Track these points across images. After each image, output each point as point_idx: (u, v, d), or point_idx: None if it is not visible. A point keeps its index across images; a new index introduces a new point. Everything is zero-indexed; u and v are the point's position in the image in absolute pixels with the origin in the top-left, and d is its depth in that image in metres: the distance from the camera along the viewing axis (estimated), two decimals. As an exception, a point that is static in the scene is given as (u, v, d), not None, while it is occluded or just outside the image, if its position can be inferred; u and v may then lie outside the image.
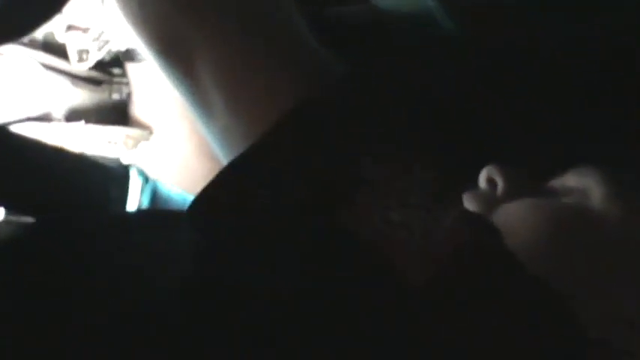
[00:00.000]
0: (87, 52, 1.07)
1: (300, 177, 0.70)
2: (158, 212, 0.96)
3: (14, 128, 1.00)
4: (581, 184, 0.74)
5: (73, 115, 1.06)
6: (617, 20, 1.02)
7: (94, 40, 1.07)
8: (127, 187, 0.95)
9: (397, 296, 0.66)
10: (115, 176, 0.95)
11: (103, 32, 1.06)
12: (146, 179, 0.99)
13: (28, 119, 1.03)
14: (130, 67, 1.08)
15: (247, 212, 0.70)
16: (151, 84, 1.11)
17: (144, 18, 0.74)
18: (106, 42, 1.07)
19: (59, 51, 1.06)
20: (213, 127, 0.75)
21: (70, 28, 1.04)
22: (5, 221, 0.93)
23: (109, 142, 1.05)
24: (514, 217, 0.74)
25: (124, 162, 1.05)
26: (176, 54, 0.74)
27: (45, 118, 1.03)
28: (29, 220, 0.87)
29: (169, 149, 1.10)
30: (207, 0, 0.74)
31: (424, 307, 0.65)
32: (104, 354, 0.65)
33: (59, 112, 1.05)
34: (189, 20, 0.73)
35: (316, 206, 0.69)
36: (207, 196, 0.71)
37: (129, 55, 1.06)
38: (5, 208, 0.87)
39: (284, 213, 0.70)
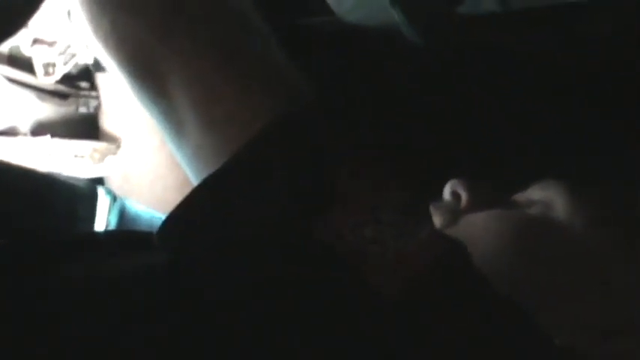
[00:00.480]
0: (53, 65, 1.05)
1: (274, 192, 0.71)
2: (126, 233, 0.94)
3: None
4: (545, 196, 0.75)
5: (39, 129, 1.05)
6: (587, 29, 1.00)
7: (60, 54, 1.06)
8: (95, 206, 0.93)
9: (370, 308, 0.67)
10: (82, 195, 0.93)
11: (69, 46, 1.05)
12: (114, 198, 0.97)
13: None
14: (99, 77, 1.07)
15: (220, 230, 0.71)
16: (120, 95, 1.09)
17: (116, 39, 0.75)
18: (73, 55, 1.06)
19: (25, 65, 1.05)
20: (185, 146, 0.75)
21: (35, 41, 1.03)
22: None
23: (76, 155, 1.02)
24: (478, 226, 0.76)
25: (91, 177, 1.02)
26: (148, 73, 0.74)
27: (11, 132, 1.01)
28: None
29: (138, 162, 1.10)
30: (179, 22, 0.74)
31: (396, 319, 0.67)
32: None
33: (25, 126, 1.04)
34: (162, 42, 0.73)
35: (291, 221, 0.70)
36: (179, 215, 0.71)
37: (98, 66, 1.04)
38: None
39: (258, 229, 0.71)
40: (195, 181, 0.75)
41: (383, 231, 0.70)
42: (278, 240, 0.71)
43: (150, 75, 0.74)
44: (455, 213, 0.78)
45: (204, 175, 0.72)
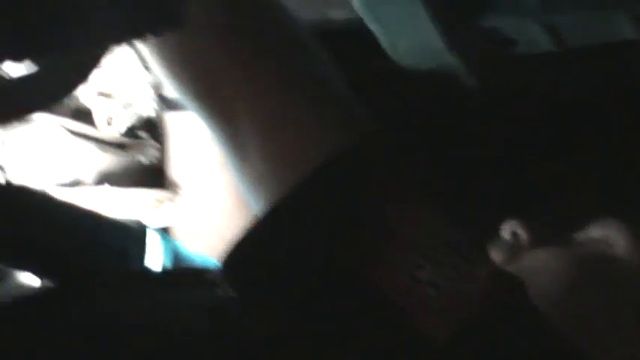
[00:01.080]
0: (114, 117, 1.09)
1: (330, 231, 0.71)
2: (179, 270, 0.96)
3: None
4: (605, 234, 0.78)
5: (101, 179, 1.08)
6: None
7: (120, 106, 1.09)
8: (145, 246, 0.93)
9: (420, 352, 0.67)
10: (134, 235, 0.93)
11: (129, 98, 1.09)
12: (166, 239, 0.96)
13: (58, 186, 1.04)
14: (162, 126, 1.12)
15: (279, 265, 0.71)
16: (183, 143, 1.14)
17: (183, 61, 0.77)
18: (133, 107, 1.10)
19: (87, 117, 1.09)
20: (248, 174, 0.76)
21: (97, 94, 1.05)
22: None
23: (135, 204, 1.06)
24: (538, 265, 0.78)
25: (147, 222, 1.06)
26: (214, 97, 0.76)
27: (74, 184, 1.04)
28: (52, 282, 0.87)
29: (197, 209, 1.14)
30: (248, 48, 0.75)
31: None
32: None
33: (87, 178, 1.07)
34: (230, 67, 0.75)
35: (345, 261, 0.69)
36: (240, 251, 0.71)
37: (159, 115, 1.10)
38: (29, 270, 0.87)
39: (314, 267, 0.71)
40: (254, 205, 0.76)
41: (440, 273, 0.69)
42: (330, 280, 0.71)
43: (216, 99, 0.76)
44: (514, 251, 0.80)
45: (264, 201, 0.74)
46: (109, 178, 1.09)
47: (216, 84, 0.76)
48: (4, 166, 1.09)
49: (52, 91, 0.73)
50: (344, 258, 0.70)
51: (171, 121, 1.14)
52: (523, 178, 1.11)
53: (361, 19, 1.00)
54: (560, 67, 1.06)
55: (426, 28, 0.95)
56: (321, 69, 0.78)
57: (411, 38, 0.98)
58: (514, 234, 0.83)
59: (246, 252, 0.73)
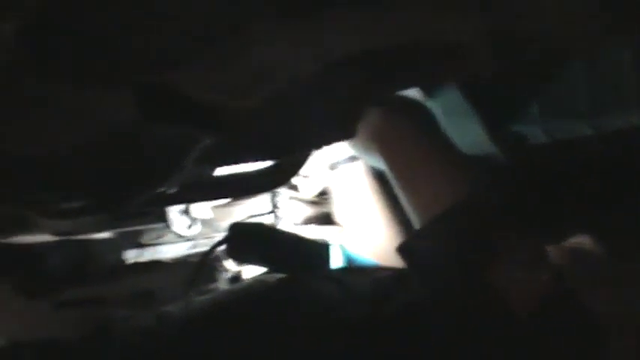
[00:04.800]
0: (309, 188, 1.38)
1: (459, 248, 0.93)
2: (359, 267, 1.20)
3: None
4: (581, 241, 1.03)
5: (307, 222, 1.37)
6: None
7: (311, 181, 1.37)
8: (330, 253, 1.15)
9: (510, 325, 0.88)
10: (324, 247, 1.16)
11: (316, 177, 1.37)
12: (343, 248, 1.25)
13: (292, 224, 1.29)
14: (331, 183, 1.32)
15: (435, 252, 0.93)
16: (344, 195, 1.33)
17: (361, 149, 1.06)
18: (317, 182, 1.37)
19: (296, 188, 1.38)
20: (408, 208, 1.00)
21: (302, 176, 1.32)
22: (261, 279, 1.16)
23: (323, 233, 1.33)
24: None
25: (330, 241, 1.25)
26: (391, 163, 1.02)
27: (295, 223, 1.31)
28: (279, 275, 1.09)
29: (362, 236, 1.32)
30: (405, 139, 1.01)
31: (525, 334, 0.88)
32: None
33: (299, 220, 1.35)
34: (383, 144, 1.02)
35: (471, 264, 0.91)
36: (411, 242, 0.97)
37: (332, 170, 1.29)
38: (274, 269, 1.11)
39: (452, 268, 0.92)
40: (417, 220, 0.99)
41: (524, 275, 0.92)
42: (461, 276, 0.92)
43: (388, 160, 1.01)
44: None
45: (419, 220, 0.98)
46: (311, 221, 1.38)
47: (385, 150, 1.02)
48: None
49: (281, 178, 1.11)
50: (471, 258, 0.91)
51: (334, 181, 1.34)
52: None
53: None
54: (594, 151, 1.15)
55: (480, 132, 1.14)
56: (451, 145, 1.01)
57: (473, 138, 1.17)
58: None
59: (415, 243, 0.96)
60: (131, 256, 1.31)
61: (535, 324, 0.88)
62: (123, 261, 1.30)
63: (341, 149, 1.26)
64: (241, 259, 1.15)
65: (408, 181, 1.02)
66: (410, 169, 1.02)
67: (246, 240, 1.08)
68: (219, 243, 1.06)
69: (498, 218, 0.97)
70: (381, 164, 1.06)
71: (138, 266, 1.32)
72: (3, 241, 1.06)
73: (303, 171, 1.16)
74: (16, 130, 0.74)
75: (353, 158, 1.26)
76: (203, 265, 1.08)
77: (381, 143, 1.04)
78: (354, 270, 1.16)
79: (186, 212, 1.17)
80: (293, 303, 0.95)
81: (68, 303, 1.25)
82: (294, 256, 1.11)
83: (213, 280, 1.31)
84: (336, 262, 1.20)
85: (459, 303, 0.89)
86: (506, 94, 1.14)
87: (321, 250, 1.14)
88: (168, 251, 1.31)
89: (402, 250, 0.97)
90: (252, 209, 1.25)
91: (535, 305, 0.88)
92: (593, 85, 1.09)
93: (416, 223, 1.02)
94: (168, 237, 1.26)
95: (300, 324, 0.90)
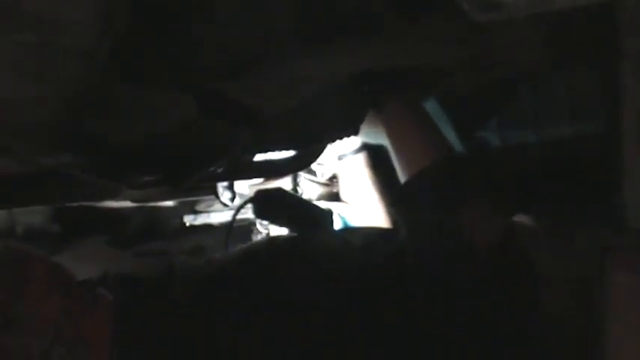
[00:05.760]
0: (322, 173, 1.35)
1: (440, 195, 0.90)
2: (352, 229, 1.21)
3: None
4: (522, 219, 1.07)
5: (318, 198, 1.33)
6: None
7: (324, 167, 1.34)
8: (332, 218, 1.12)
9: (473, 254, 0.87)
10: (328, 214, 1.13)
11: (328, 164, 1.33)
12: (341, 216, 1.27)
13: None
14: (338, 170, 1.29)
15: (422, 194, 0.91)
16: (349, 179, 1.30)
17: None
18: (329, 168, 1.34)
19: (313, 172, 1.34)
20: (400, 166, 0.96)
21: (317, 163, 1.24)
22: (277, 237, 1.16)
23: (330, 205, 1.27)
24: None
25: (334, 210, 1.21)
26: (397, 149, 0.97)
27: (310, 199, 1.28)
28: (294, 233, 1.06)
29: (362, 213, 1.28)
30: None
31: (484, 261, 0.86)
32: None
33: (314, 197, 1.32)
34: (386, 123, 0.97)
35: (447, 211, 0.89)
36: (405, 188, 0.94)
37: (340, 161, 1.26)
38: (287, 227, 1.08)
39: (434, 213, 0.89)
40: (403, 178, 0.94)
41: (485, 221, 0.90)
42: (441, 220, 0.89)
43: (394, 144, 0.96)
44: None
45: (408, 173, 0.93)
46: (322, 198, 1.34)
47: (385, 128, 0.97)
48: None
49: (302, 164, 1.13)
50: (445, 209, 0.88)
51: (341, 169, 1.31)
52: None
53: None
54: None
55: (452, 136, 1.19)
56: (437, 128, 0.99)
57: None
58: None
59: (408, 189, 0.93)
60: (189, 220, 1.33)
61: (491, 263, 0.87)
62: (183, 224, 1.32)
63: (347, 145, 1.25)
64: (264, 217, 1.11)
65: (403, 153, 0.98)
66: (409, 145, 0.99)
67: (268, 201, 1.04)
68: (246, 202, 1.04)
69: (470, 177, 0.96)
70: (383, 140, 1.04)
71: (194, 228, 1.33)
72: (98, 205, 1.13)
73: (319, 159, 1.16)
74: (113, 124, 0.79)
75: (356, 151, 1.25)
76: (233, 221, 1.06)
77: (387, 122, 1.02)
78: (350, 229, 1.19)
79: (230, 188, 1.17)
80: (307, 252, 0.94)
81: (144, 254, 1.29)
82: (305, 217, 1.06)
83: (249, 239, 1.30)
84: (336, 225, 1.21)
85: (435, 245, 0.87)
86: (473, 107, 1.20)
87: (326, 215, 1.11)
88: (216, 217, 1.31)
89: (395, 199, 0.99)
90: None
91: (493, 243, 0.87)
92: (537, 103, 1.13)
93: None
94: (216, 206, 1.26)
95: (312, 267, 0.89)
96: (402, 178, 0.95)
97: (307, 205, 1.10)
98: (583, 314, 0.86)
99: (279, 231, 1.20)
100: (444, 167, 0.91)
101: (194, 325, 0.78)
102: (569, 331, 0.92)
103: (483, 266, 0.85)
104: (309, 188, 1.31)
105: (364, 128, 1.02)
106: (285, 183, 1.24)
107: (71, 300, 0.77)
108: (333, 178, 1.34)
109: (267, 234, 1.28)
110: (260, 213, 1.04)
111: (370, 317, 0.82)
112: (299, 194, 1.22)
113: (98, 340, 0.77)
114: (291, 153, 1.06)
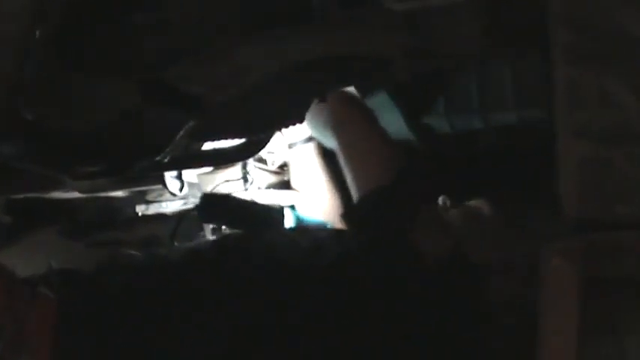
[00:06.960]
0: (273, 161, 1.34)
1: (394, 210, 0.93)
2: (304, 226, 1.23)
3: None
4: (480, 205, 1.12)
5: (268, 187, 1.31)
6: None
7: (274, 155, 1.33)
8: (284, 216, 1.18)
9: (420, 267, 0.91)
10: (279, 211, 1.18)
11: (278, 152, 1.33)
12: (294, 211, 1.28)
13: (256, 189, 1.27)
14: (289, 157, 1.29)
15: (374, 215, 0.95)
16: (300, 169, 1.30)
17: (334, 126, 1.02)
18: (279, 156, 1.33)
19: (263, 161, 1.33)
20: (349, 180, 1.00)
21: (267, 152, 1.29)
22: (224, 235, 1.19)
23: (282, 197, 1.29)
24: (453, 214, 1.09)
25: (285, 204, 1.27)
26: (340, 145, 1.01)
27: (259, 189, 1.29)
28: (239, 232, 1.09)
29: (312, 201, 1.29)
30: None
31: (433, 273, 0.92)
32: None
33: (263, 186, 1.31)
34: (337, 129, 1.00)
35: (399, 227, 0.93)
36: (348, 213, 1.01)
37: (290, 149, 1.27)
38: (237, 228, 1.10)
39: (388, 225, 0.93)
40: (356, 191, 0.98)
41: (436, 236, 0.97)
42: (393, 233, 0.93)
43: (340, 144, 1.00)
44: (445, 210, 1.11)
45: (358, 192, 0.97)
46: (272, 186, 1.32)
47: (334, 132, 1.00)
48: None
49: (250, 152, 1.12)
50: (398, 225, 0.92)
51: (292, 157, 1.30)
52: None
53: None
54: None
55: (401, 123, 1.25)
56: (384, 132, 1.03)
57: (396, 128, 1.24)
58: (444, 202, 1.14)
59: (355, 211, 0.98)
60: (141, 209, 1.32)
61: (438, 271, 0.92)
62: (136, 213, 1.31)
63: (297, 133, 1.26)
64: (209, 222, 1.15)
65: (351, 158, 1.01)
66: (354, 148, 1.01)
67: (213, 208, 1.07)
68: (192, 210, 1.07)
69: (419, 194, 1.00)
70: (332, 144, 1.07)
71: (147, 217, 1.32)
72: (47, 196, 1.12)
73: (268, 147, 1.15)
74: (52, 111, 0.79)
75: (306, 140, 1.26)
76: (179, 224, 1.11)
77: (335, 127, 1.04)
78: (301, 230, 1.19)
79: (178, 177, 1.15)
80: (250, 250, 0.96)
81: (96, 243, 1.29)
82: (252, 218, 1.10)
83: (201, 230, 1.30)
84: (288, 222, 1.23)
85: (382, 254, 0.91)
86: (419, 94, 1.22)
87: (275, 213, 1.14)
88: (167, 207, 1.29)
89: (345, 216, 1.02)
90: (228, 176, 1.24)
91: (440, 257, 0.93)
92: (482, 89, 1.16)
93: (354, 192, 1.03)
94: (166, 196, 1.23)
95: (257, 266, 0.91)
96: (347, 174, 0.99)
97: (254, 206, 1.12)
98: (533, 302, 0.86)
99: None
100: (394, 188, 0.94)
101: (131, 317, 0.81)
102: (520, 319, 0.94)
103: (430, 277, 0.89)
104: (259, 176, 1.30)
105: (309, 118, 1.04)
106: (234, 171, 1.24)
107: (12, 298, 0.77)
108: (283, 167, 1.33)
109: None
110: (204, 219, 1.08)
111: (310, 318, 0.84)
112: (249, 183, 1.25)
113: (39, 337, 0.78)
114: (239, 141, 1.06)
